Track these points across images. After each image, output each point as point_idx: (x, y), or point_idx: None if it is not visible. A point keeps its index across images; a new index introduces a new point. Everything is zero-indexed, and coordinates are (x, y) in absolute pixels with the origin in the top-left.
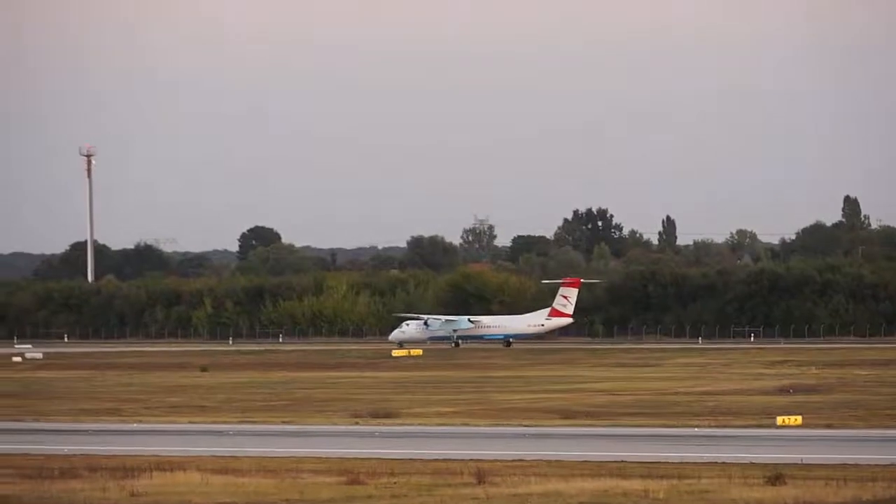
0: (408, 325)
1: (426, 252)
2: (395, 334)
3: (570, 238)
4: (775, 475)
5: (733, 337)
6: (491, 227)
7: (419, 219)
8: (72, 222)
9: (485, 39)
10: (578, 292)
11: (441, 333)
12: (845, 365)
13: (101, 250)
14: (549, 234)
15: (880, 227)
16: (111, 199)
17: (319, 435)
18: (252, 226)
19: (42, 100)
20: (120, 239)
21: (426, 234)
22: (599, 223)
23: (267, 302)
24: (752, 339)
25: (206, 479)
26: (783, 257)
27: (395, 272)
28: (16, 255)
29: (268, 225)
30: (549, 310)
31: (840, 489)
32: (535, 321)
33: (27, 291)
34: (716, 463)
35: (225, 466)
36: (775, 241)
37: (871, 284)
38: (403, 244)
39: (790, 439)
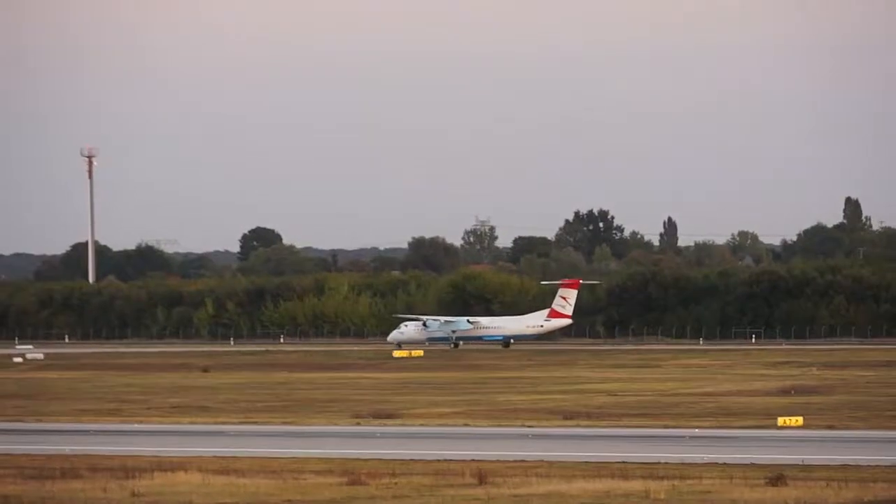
0: (406, 326)
1: (427, 253)
2: (394, 335)
3: (572, 239)
4: (776, 476)
5: (734, 338)
6: (492, 229)
7: (420, 220)
8: (73, 223)
9: (485, 40)
10: (578, 293)
11: (440, 334)
12: (846, 366)
13: (102, 251)
14: (551, 236)
15: (881, 228)
16: (112, 200)
17: (321, 435)
18: (253, 226)
19: (43, 100)
20: (121, 240)
21: (427, 235)
22: (601, 224)
23: (268, 303)
24: (753, 340)
25: (208, 479)
26: (784, 258)
27: (396, 273)
28: (17, 256)
29: (269, 226)
30: (548, 311)
31: (841, 490)
32: (533, 322)
33: (28, 292)
34: (717, 464)
35: (226, 467)
36: (776, 242)
37: (872, 285)
38: (405, 245)
39: (791, 440)
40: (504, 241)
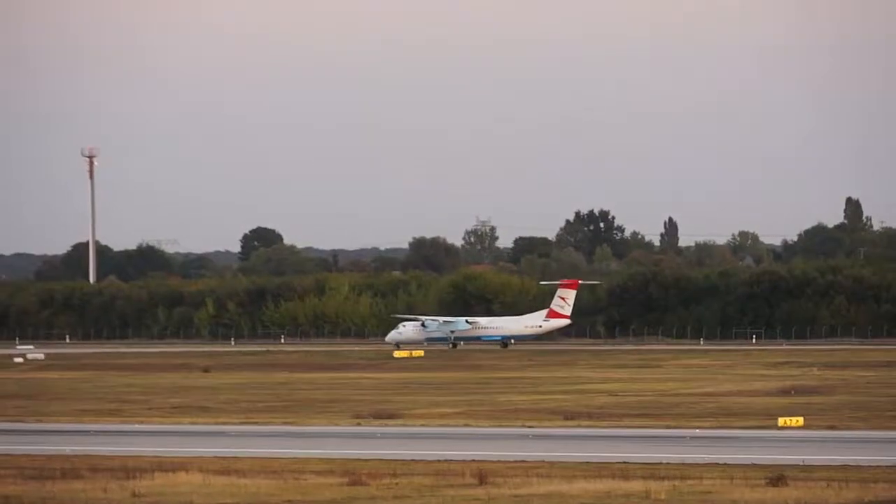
0: (405, 326)
1: (428, 253)
2: (392, 335)
3: (572, 239)
4: (777, 476)
5: (735, 338)
6: (493, 229)
7: (421, 220)
8: (73, 223)
9: (485, 40)
10: (576, 293)
11: (438, 335)
12: (847, 366)
13: (102, 251)
14: (551, 236)
15: (882, 228)
16: (113, 200)
17: (321, 436)
18: (254, 227)
19: (44, 101)
20: (122, 240)
21: (428, 235)
22: (601, 224)
23: (269, 303)
24: (753, 340)
25: (208, 479)
26: (785, 259)
27: (396, 273)
28: (18, 256)
29: (269, 226)
30: (546, 311)
31: (842, 490)
32: (532, 322)
33: (29, 292)
34: (717, 464)
35: (227, 467)
36: (777, 242)
37: (872, 286)
38: (405, 245)
39: (792, 440)
40: (505, 241)
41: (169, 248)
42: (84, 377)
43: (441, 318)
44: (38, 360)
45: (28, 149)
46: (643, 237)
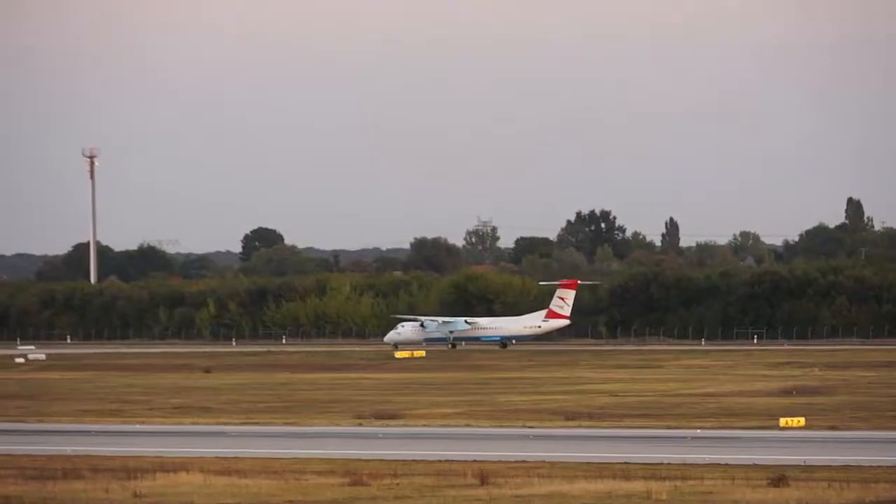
0: (403, 326)
1: (429, 253)
2: (391, 336)
3: (573, 240)
4: (778, 477)
5: (736, 338)
6: (494, 229)
7: (422, 220)
8: (74, 223)
9: (486, 40)
10: (575, 294)
11: (437, 335)
12: (848, 366)
13: (103, 251)
14: (552, 236)
15: (883, 228)
16: (114, 201)
17: (322, 436)
18: (255, 227)
19: (44, 101)
20: (123, 240)
21: (429, 235)
22: (602, 225)
23: (270, 303)
24: (755, 340)
25: (209, 480)
26: (786, 259)
27: (398, 274)
28: (19, 257)
29: (271, 226)
30: (545, 311)
31: (843, 491)
32: (531, 323)
33: (30, 292)
34: (719, 464)
35: (228, 467)
36: (778, 242)
37: (873, 286)
38: (406, 246)
39: (793, 441)
40: (506, 241)
41: (170, 249)
42: (85, 377)
43: (440, 319)
44: (39, 360)
45: (29, 149)
46: (644, 237)
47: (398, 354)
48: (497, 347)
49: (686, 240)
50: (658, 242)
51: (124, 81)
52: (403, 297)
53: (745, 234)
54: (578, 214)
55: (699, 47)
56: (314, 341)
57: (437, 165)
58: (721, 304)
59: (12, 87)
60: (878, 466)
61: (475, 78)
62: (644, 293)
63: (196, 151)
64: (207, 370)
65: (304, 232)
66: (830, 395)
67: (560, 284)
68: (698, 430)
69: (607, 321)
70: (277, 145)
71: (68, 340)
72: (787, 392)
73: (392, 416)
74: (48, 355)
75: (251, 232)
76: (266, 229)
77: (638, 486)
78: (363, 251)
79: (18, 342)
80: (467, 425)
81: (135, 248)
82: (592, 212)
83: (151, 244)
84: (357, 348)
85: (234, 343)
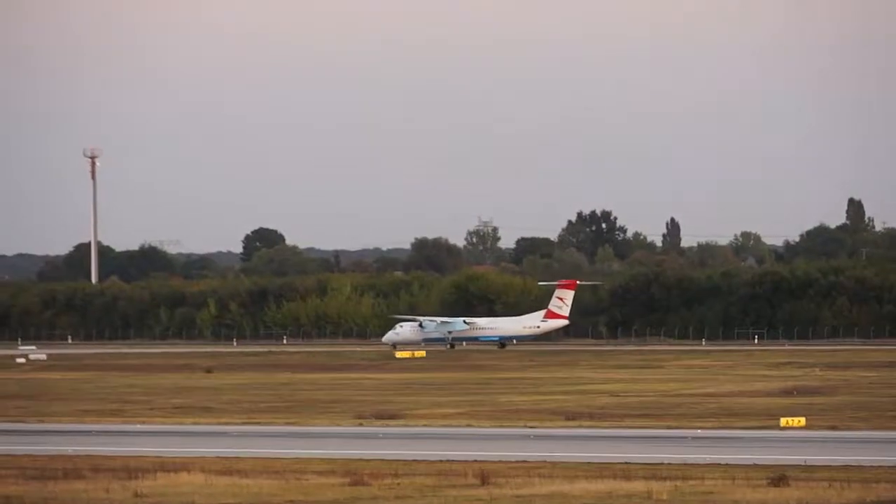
0: (402, 326)
1: (430, 254)
2: (389, 336)
3: (575, 240)
4: (779, 477)
5: (737, 338)
6: (495, 229)
7: (423, 221)
8: (75, 223)
9: (486, 40)
10: (575, 294)
11: (436, 335)
12: (849, 367)
13: (104, 252)
14: (553, 236)
15: (884, 229)
16: (115, 201)
17: (323, 436)
18: (256, 227)
19: (45, 101)
20: (124, 240)
21: (430, 235)
22: (603, 225)
23: (271, 303)
24: (755, 340)
25: (210, 480)
26: (787, 259)
27: (398, 274)
28: (20, 257)
29: (271, 226)
30: (544, 311)
31: (844, 491)
32: (530, 323)
33: (31, 293)
34: (719, 464)
35: (229, 467)
36: (779, 243)
37: (874, 286)
38: (407, 246)
39: (794, 441)
40: (507, 241)
41: (171, 249)
42: (86, 378)
43: (439, 319)
44: (40, 360)
45: (29, 149)
46: (645, 238)
47: (399, 354)
48: (495, 348)
49: (687, 240)
50: (659, 243)
51: (125, 81)
52: (404, 298)
53: (746, 235)
54: (579, 215)
55: (699, 47)
56: (315, 341)
57: (438, 165)
58: (722, 305)
59: (13, 88)
60: (879, 466)
61: (475, 78)
62: (645, 293)
63: (197, 151)
64: (208, 370)
65: (305, 232)
66: (831, 395)
67: (559, 285)
68: (699, 431)
69: (608, 321)
70: (278, 145)
71: (69, 340)
72: (787, 392)
73: (393, 417)
74: (49, 355)
75: (252, 232)
76: (267, 229)
77: (638, 486)
78: (364, 251)
79: (19, 342)
80: (468, 425)
81: (136, 248)
82: (593, 212)
83: (152, 244)
84: (358, 348)
85: (235, 343)
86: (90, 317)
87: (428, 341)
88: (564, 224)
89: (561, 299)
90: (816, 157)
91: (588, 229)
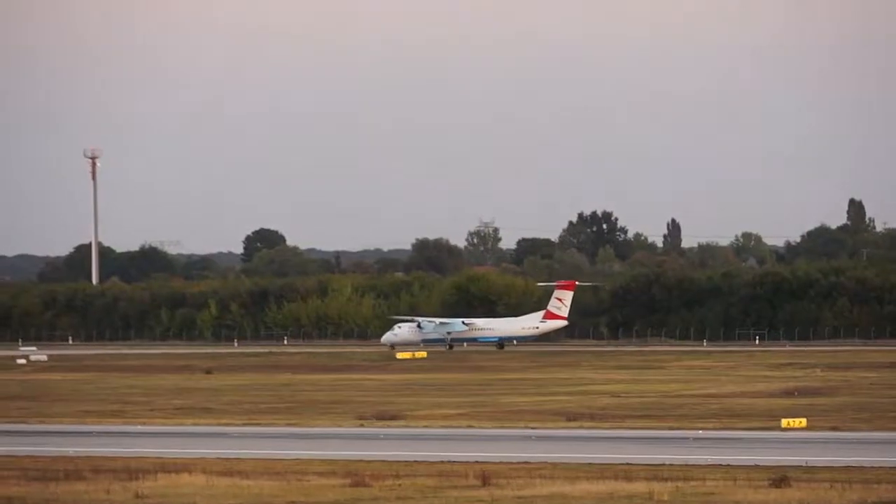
0: (400, 327)
1: (431, 254)
2: (388, 336)
3: (575, 241)
4: (780, 477)
5: (738, 339)
6: (496, 230)
7: (424, 221)
8: (76, 224)
9: (487, 40)
10: (574, 295)
11: (434, 336)
12: (850, 367)
13: (105, 252)
14: (554, 237)
15: (885, 229)
16: (115, 201)
17: (324, 437)
18: (256, 228)
19: (46, 101)
20: (124, 241)
21: (431, 236)
22: (604, 226)
23: (271, 304)
24: (756, 341)
25: (211, 480)
26: (788, 260)
27: (399, 275)
28: (20, 258)
29: (272, 227)
30: (543, 312)
31: (845, 492)
32: (529, 324)
33: (32, 294)
34: (720, 465)
35: (230, 468)
36: (780, 243)
37: (875, 287)
38: (408, 247)
39: (795, 442)
40: (507, 242)
41: (172, 250)
42: (87, 378)
43: (437, 320)
44: (40, 361)
45: (30, 150)
46: (646, 238)
47: (400, 355)
48: (494, 348)
49: (688, 241)
50: (660, 243)
51: (126, 82)
52: (405, 298)
53: (746, 235)
54: (580, 215)
55: (699, 47)
56: (316, 342)
57: (439, 166)
58: (723, 305)
59: (14, 88)
60: (880, 467)
61: (475, 78)
62: (646, 294)
63: (198, 152)
64: (209, 371)
65: (306, 233)
66: (832, 395)
67: (558, 285)
68: (700, 431)
69: (609, 322)
70: (279, 146)
71: (70, 341)
72: (788, 393)
73: (394, 417)
74: (50, 356)
75: (253, 233)
76: (267, 230)
77: (640, 486)
78: (365, 252)
79: (20, 343)
80: (469, 426)
81: (136, 249)
82: (594, 213)
83: (153, 245)
84: (359, 349)
85: (235, 344)
86: (91, 318)
87: (426, 342)
88: (565, 224)
89: (560, 300)
90: (817, 157)
91: (589, 230)
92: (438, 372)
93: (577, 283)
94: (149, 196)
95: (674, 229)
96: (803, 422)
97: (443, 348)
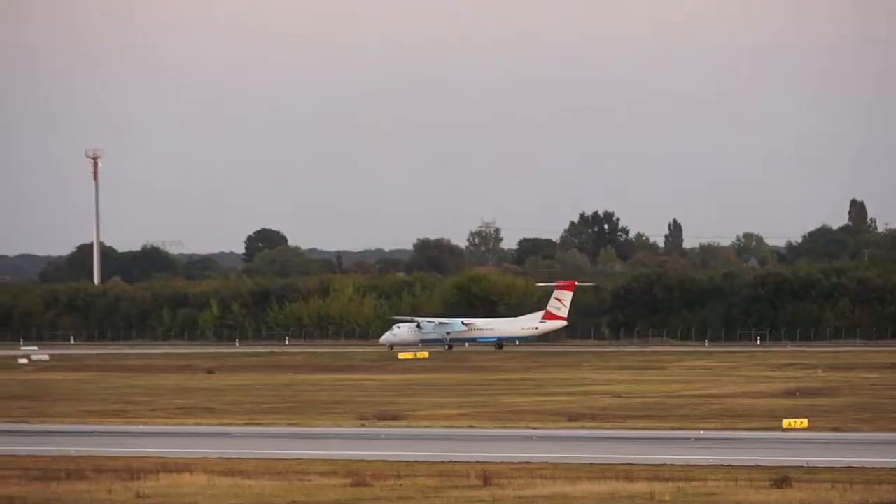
0: (399, 327)
1: (432, 255)
2: (387, 337)
3: (577, 241)
4: (781, 478)
5: (739, 340)
6: (497, 230)
7: (425, 221)
8: (78, 224)
9: (487, 40)
10: (574, 295)
11: (433, 336)
12: (851, 368)
13: (107, 252)
14: (556, 237)
15: (886, 230)
16: (117, 201)
17: (326, 437)
18: (258, 228)
19: (47, 101)
20: (126, 241)
21: (432, 236)
22: (606, 226)
23: (273, 304)
24: (758, 341)
25: (213, 480)
26: (789, 260)
27: (401, 275)
28: (22, 257)
29: (274, 227)
30: (542, 313)
31: (846, 492)
32: (528, 324)
33: (33, 293)
34: (722, 466)
35: (231, 468)
36: (781, 244)
37: (877, 287)
38: (410, 247)
39: (796, 442)
40: (509, 242)
41: (173, 250)
42: (88, 378)
43: (437, 320)
44: (42, 361)
45: (32, 150)
46: (647, 239)
47: (401, 355)
48: (493, 349)
49: (689, 241)
50: (661, 244)
51: (127, 82)
52: (406, 299)
53: (748, 236)
54: (582, 216)
55: (699, 47)
56: (317, 342)
57: (439, 166)
58: (724, 306)
59: (15, 88)
60: (881, 468)
61: (475, 78)
62: (647, 294)
63: (199, 152)
64: (210, 371)
65: (307, 233)
66: (833, 396)
67: (557, 286)
68: (701, 432)
69: (610, 322)
70: (280, 146)
71: (71, 341)
72: (790, 393)
73: (395, 418)
74: (51, 356)
75: (254, 233)
76: (269, 230)
77: (641, 487)
78: (366, 252)
79: (22, 343)
80: (470, 426)
81: (138, 248)
82: (596, 213)
83: (155, 245)
84: (360, 349)
85: (237, 344)
86: (92, 317)
87: (425, 342)
88: (565, 225)
89: (559, 300)
90: (817, 157)
91: (590, 230)
92: (439, 372)
93: (576, 283)
94: (150, 196)
95: (675, 230)
96: (805, 422)
97: (442, 348)
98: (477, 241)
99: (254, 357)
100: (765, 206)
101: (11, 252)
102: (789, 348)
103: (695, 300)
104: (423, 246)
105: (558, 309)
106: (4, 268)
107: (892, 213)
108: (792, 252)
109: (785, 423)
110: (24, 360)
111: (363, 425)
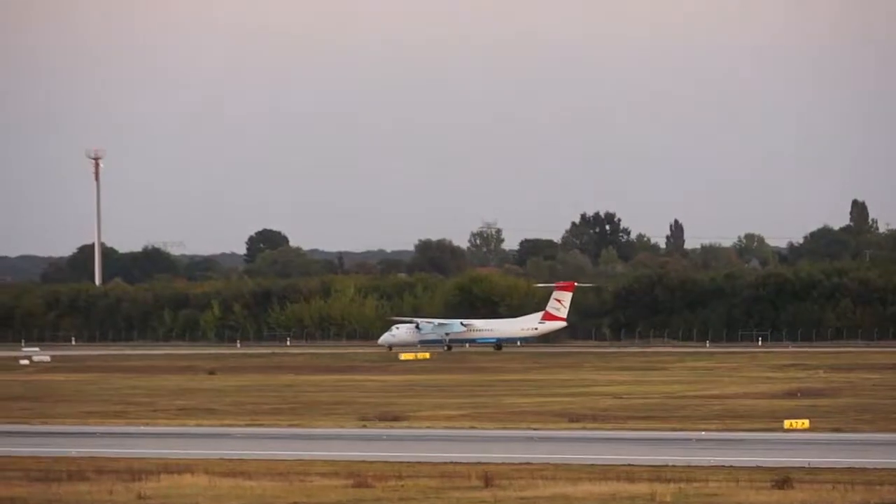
0: (398, 328)
1: (434, 255)
2: (385, 337)
3: (578, 242)
4: (783, 479)
5: (741, 340)
6: (499, 231)
7: (427, 222)
8: (79, 225)
9: (487, 40)
10: (573, 296)
11: (432, 336)
12: (853, 368)
13: (108, 253)
14: (557, 238)
15: (888, 230)
16: (118, 202)
17: (327, 438)
18: (259, 229)
19: (49, 102)
20: (127, 242)
21: (434, 237)
22: (607, 227)
23: (274, 305)
24: (759, 342)
25: (214, 481)
26: (791, 261)
27: (402, 276)
28: (23, 258)
29: (275, 228)
30: (542, 313)
31: (847, 493)
32: (528, 325)
33: (35, 294)
34: (723, 466)
35: (233, 469)
36: (783, 244)
37: (878, 288)
38: (411, 247)
39: (798, 443)
40: (510, 243)
41: (175, 251)
42: (89, 379)
43: (436, 320)
44: (43, 362)
45: (33, 150)
46: (649, 239)
47: (403, 356)
48: (492, 350)
49: (691, 242)
50: (663, 244)
51: (128, 82)
52: (408, 299)
53: (749, 237)
54: (583, 216)
55: (699, 47)
56: (319, 343)
57: (439, 166)
58: (725, 307)
59: (15, 88)
60: (883, 469)
61: (475, 78)
62: (648, 295)
63: (200, 152)
64: (212, 372)
65: (309, 234)
66: (835, 397)
67: (557, 286)
68: (703, 432)
69: (612, 323)
70: (281, 146)
71: (73, 342)
72: (791, 394)
73: (396, 418)
74: (53, 357)
75: (256, 234)
76: (271, 231)
77: (642, 488)
78: (367, 253)
79: (23, 344)
80: (471, 427)
81: (139, 249)
82: (597, 214)
83: (156, 246)
84: (361, 350)
85: (238, 345)
86: (94, 318)
87: (424, 343)
88: (566, 225)
89: (559, 301)
90: (818, 157)
91: (591, 231)
92: (440, 373)
93: (575, 284)
94: (151, 197)
95: (676, 230)
96: (806, 423)
97: (441, 349)
98: (478, 241)
99: (255, 358)
100: (766, 206)
101: (12, 253)
102: (791, 349)
103: (696, 301)
104: (425, 247)
105: (558, 310)
106: (5, 269)
107: (894, 213)
108: (793, 252)
109: (786, 423)
110: (26, 361)
111: (364, 426)
